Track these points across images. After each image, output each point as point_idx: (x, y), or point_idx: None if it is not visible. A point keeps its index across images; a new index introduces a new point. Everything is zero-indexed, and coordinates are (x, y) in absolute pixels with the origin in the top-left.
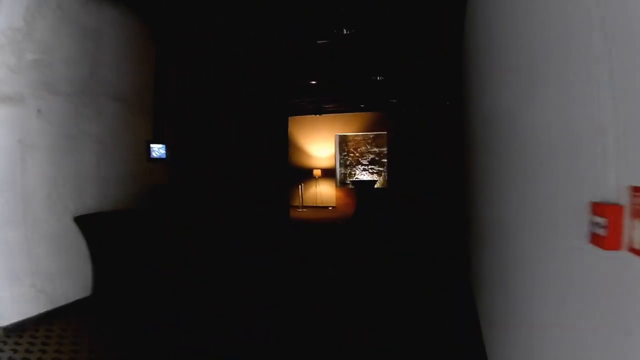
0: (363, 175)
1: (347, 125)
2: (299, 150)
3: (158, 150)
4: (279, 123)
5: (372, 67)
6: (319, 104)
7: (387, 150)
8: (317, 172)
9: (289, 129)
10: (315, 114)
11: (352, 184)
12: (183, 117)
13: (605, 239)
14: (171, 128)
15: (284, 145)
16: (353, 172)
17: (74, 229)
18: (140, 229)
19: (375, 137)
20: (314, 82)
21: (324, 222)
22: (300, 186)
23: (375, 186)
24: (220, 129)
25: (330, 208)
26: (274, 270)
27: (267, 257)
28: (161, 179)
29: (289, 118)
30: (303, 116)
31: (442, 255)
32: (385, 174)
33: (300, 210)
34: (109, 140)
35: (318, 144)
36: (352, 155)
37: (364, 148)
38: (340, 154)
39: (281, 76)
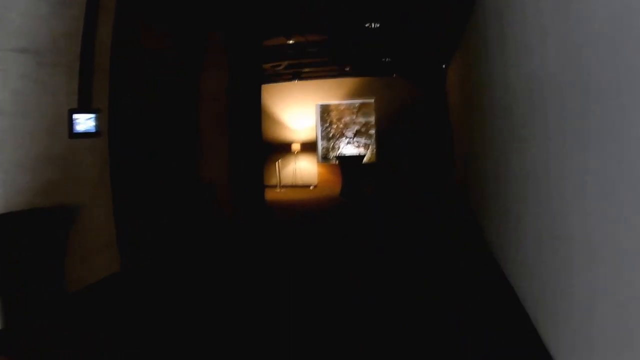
0: (348, 149)
1: (330, 93)
2: (275, 122)
3: (85, 121)
4: (250, 91)
5: (368, 7)
6: (297, 68)
7: (375, 120)
8: (295, 147)
9: (262, 98)
10: (293, 79)
11: (337, 160)
12: (123, 78)
13: None
14: (106, 92)
15: (257, 117)
16: (337, 146)
17: None
18: (58, 236)
19: (361, 105)
20: (291, 42)
21: (305, 204)
22: (277, 163)
23: (364, 161)
24: (175, 95)
25: (311, 187)
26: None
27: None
28: (92, 162)
29: (262, 86)
30: (278, 83)
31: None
32: (373, 146)
33: (278, 190)
34: (15, 109)
35: (296, 114)
36: (335, 126)
37: (348, 118)
38: (322, 125)
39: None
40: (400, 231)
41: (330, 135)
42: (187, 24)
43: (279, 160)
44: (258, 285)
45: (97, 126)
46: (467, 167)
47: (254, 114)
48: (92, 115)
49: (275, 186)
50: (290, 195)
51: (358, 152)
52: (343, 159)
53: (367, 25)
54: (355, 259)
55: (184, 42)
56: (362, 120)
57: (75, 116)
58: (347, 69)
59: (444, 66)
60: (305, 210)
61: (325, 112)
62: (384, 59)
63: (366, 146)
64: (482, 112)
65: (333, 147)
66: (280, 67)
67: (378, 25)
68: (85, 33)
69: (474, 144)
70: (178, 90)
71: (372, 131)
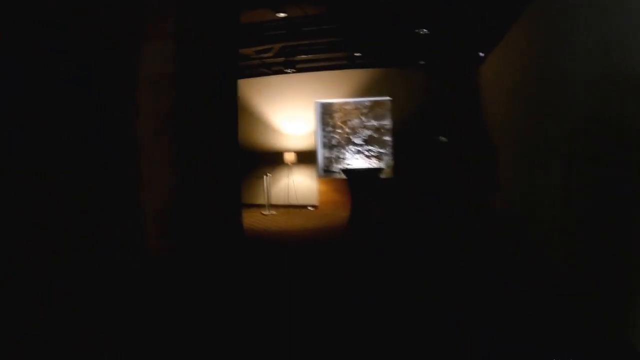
0: (357, 160)
1: (333, 88)
2: (263, 125)
3: None
4: (221, 88)
5: None
6: (291, 55)
7: (392, 123)
8: (289, 157)
9: (246, 96)
10: (287, 69)
11: (345, 174)
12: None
13: None
14: None
15: (230, 118)
16: (342, 156)
17: None
18: None
19: (374, 105)
20: (281, 16)
21: (296, 236)
22: (265, 178)
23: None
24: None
25: (310, 208)
26: None
27: None
28: None
29: (243, 80)
30: (267, 77)
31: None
32: (388, 157)
33: (266, 213)
34: None
35: (291, 116)
36: (340, 131)
37: (357, 121)
38: (324, 129)
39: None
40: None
41: (334, 142)
42: None
43: (268, 175)
44: None
45: None
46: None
47: (226, 113)
48: None
49: (262, 206)
50: (280, 221)
51: (373, 165)
52: (353, 174)
53: None
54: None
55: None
56: (374, 123)
57: None
58: (357, 55)
59: (481, 54)
60: (295, 247)
61: (327, 112)
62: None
63: (379, 157)
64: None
65: (337, 158)
66: (269, 54)
67: None
68: None
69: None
70: (99, 74)
71: (388, 138)
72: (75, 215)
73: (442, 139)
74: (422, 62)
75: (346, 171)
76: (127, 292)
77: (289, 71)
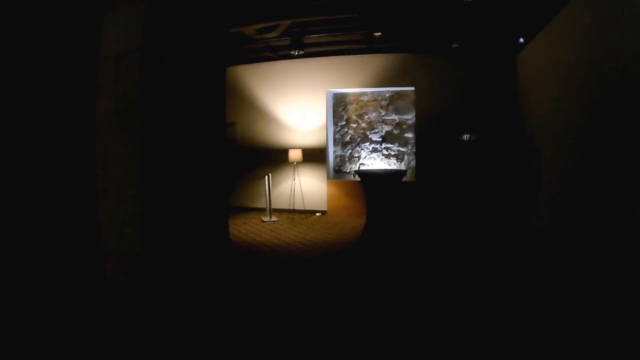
0: (373, 160)
1: (348, 75)
2: (264, 117)
3: None
4: (205, 71)
5: None
6: (299, 35)
7: (416, 117)
8: (294, 155)
9: (247, 84)
10: (294, 50)
11: (359, 177)
12: None
13: None
14: None
15: (216, 107)
16: (356, 155)
17: None
18: None
19: (395, 96)
20: None
21: (298, 251)
22: (265, 178)
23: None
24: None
25: (317, 214)
26: None
27: None
28: None
29: (244, 67)
30: (270, 62)
31: None
32: (410, 158)
33: (267, 219)
34: None
35: (297, 107)
36: (355, 126)
37: (374, 115)
38: (336, 124)
39: None
40: None
41: (348, 138)
42: None
43: (269, 174)
44: None
45: None
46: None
47: (210, 102)
48: None
49: (262, 210)
50: (280, 230)
51: (392, 166)
52: (369, 177)
53: None
54: None
55: None
56: (394, 118)
57: None
58: (377, 36)
59: (521, 40)
60: (294, 270)
61: (340, 104)
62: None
63: (398, 157)
64: None
65: (351, 157)
66: (273, 34)
67: None
68: None
69: None
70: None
71: (410, 135)
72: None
73: (467, 136)
74: (455, 46)
75: (361, 173)
76: (75, 328)
77: (295, 53)
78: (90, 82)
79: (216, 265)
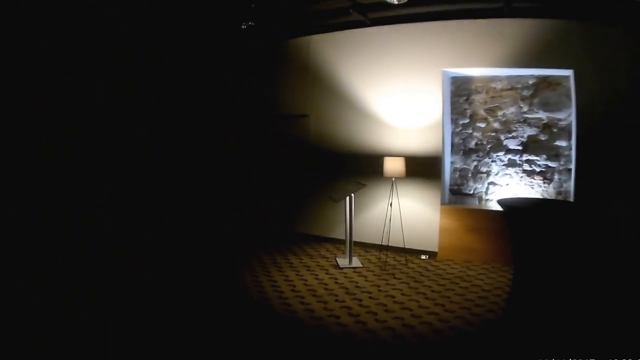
0: (509, 177)
1: (472, 50)
2: (351, 108)
3: None
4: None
5: None
6: None
7: (576, 115)
8: (393, 166)
9: (323, 60)
10: (399, 7)
11: (503, 209)
12: None
13: None
14: None
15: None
16: (484, 170)
17: None
18: None
19: (542, 83)
20: None
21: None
22: (348, 199)
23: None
24: None
25: (423, 257)
26: None
27: None
28: None
29: (319, 36)
30: (361, 30)
31: None
32: (562, 177)
33: (344, 264)
34: None
35: (398, 94)
36: (483, 126)
37: (512, 110)
38: (455, 122)
39: None
40: None
41: (472, 144)
42: None
43: (351, 195)
44: None
45: None
46: None
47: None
48: None
49: (339, 242)
50: (363, 289)
51: (537, 188)
52: (521, 213)
53: None
54: None
55: None
56: (541, 116)
57: None
58: None
59: None
60: None
61: (461, 92)
62: None
63: (546, 175)
64: None
65: (476, 172)
66: None
67: None
68: None
69: None
70: None
71: (563, 142)
72: None
73: None
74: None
75: (508, 206)
76: None
77: (395, 2)
78: None
79: None
